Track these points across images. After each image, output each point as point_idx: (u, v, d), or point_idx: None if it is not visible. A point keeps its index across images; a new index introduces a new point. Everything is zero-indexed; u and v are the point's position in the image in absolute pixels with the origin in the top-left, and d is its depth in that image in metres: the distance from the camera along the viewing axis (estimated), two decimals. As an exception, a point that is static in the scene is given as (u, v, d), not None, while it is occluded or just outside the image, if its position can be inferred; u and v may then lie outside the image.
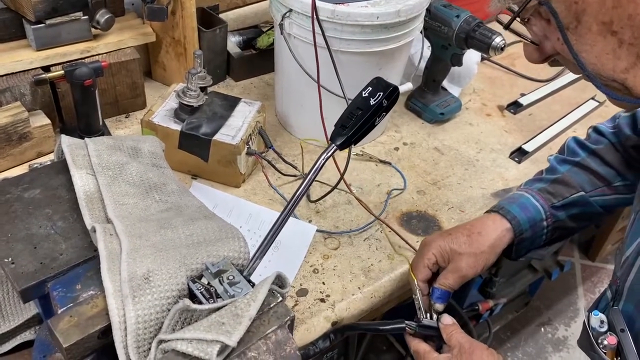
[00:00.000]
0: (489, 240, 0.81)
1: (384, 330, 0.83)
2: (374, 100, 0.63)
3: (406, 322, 0.80)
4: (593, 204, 0.85)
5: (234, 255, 0.58)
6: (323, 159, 0.63)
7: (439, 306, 0.79)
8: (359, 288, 0.86)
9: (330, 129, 1.01)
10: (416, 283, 0.80)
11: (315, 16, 0.92)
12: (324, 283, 0.86)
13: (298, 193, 0.61)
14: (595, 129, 0.91)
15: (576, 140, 0.91)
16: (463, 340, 0.72)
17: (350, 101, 0.94)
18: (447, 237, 0.81)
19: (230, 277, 0.54)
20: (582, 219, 0.86)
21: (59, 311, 0.54)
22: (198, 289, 0.54)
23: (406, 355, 1.43)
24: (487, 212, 0.87)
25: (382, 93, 0.62)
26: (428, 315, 0.78)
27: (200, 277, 0.55)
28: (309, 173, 0.62)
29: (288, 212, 0.59)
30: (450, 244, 0.80)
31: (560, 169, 0.88)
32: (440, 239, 0.81)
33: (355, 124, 0.63)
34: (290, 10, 0.95)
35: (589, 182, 0.85)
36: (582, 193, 0.84)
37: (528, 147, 1.16)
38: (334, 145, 0.64)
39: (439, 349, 0.77)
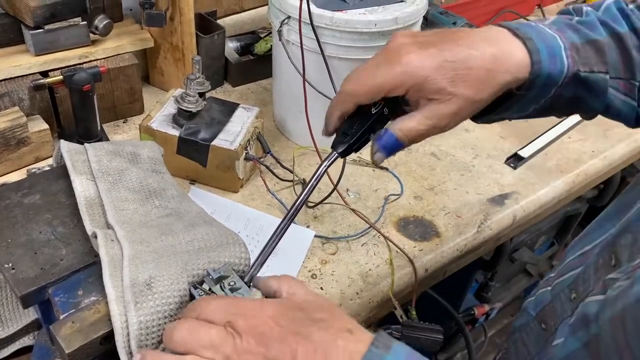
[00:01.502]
0: (498, 81, 0.58)
1: None
2: (375, 109, 0.61)
3: (392, 327, 0.81)
4: (605, 96, 0.64)
5: (235, 261, 0.58)
6: (324, 167, 0.62)
7: (380, 156, 0.61)
8: (357, 293, 0.86)
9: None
10: (349, 99, 0.60)
11: (310, 23, 0.93)
12: (322, 288, 0.86)
13: (298, 202, 0.60)
14: None
15: (619, 5, 0.66)
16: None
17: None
18: (446, 70, 0.57)
19: (232, 283, 0.55)
20: (574, 106, 0.66)
21: (61, 317, 0.54)
22: (199, 295, 0.54)
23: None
24: (501, 25, 0.61)
25: (383, 101, 0.61)
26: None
27: (201, 282, 0.55)
28: (309, 182, 0.61)
29: (289, 220, 0.59)
30: (447, 80, 0.57)
31: (601, 30, 0.63)
32: (429, 66, 0.56)
33: (357, 132, 0.61)
34: (289, 17, 0.96)
35: (616, 65, 0.63)
36: (607, 76, 0.62)
37: (524, 152, 1.17)
38: (335, 153, 0.63)
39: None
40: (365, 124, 0.61)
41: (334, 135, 0.65)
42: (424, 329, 0.82)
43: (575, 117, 1.31)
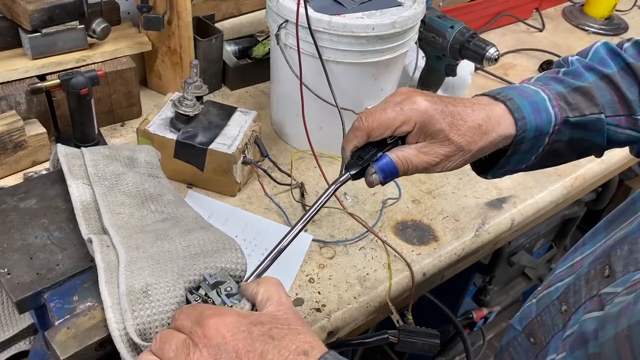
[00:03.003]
0: (487, 138, 0.64)
1: (369, 343, 0.84)
2: (390, 140, 0.65)
3: (388, 332, 0.81)
4: (604, 133, 0.68)
5: (231, 266, 0.58)
6: (334, 187, 0.64)
7: (376, 177, 0.65)
8: (354, 297, 0.86)
9: (324, 138, 1.03)
10: (360, 132, 0.64)
11: (308, 27, 0.93)
12: (319, 292, 0.86)
13: (302, 221, 0.61)
14: (637, 43, 0.70)
15: (608, 47, 0.71)
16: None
17: (341, 109, 0.96)
18: (446, 115, 0.63)
19: (228, 289, 0.54)
20: (579, 147, 0.69)
21: (56, 323, 0.54)
22: (196, 300, 0.54)
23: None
24: (484, 95, 0.69)
25: (398, 137, 0.65)
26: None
27: (197, 287, 0.55)
28: (316, 201, 0.63)
29: (294, 236, 0.60)
30: (446, 124, 0.63)
31: (587, 76, 0.68)
32: (434, 108, 0.63)
33: (372, 158, 0.64)
34: (287, 20, 0.96)
35: (611, 105, 0.67)
36: (602, 116, 0.66)
37: (522, 156, 1.17)
38: (348, 174, 0.65)
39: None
40: (379, 151, 0.65)
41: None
42: (420, 333, 0.82)
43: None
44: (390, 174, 0.65)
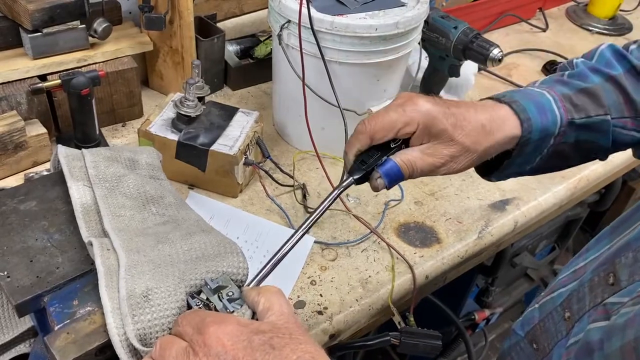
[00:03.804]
0: (492, 139, 0.64)
1: (371, 345, 0.84)
2: (394, 144, 0.64)
3: (390, 334, 0.81)
4: (609, 135, 0.67)
5: (233, 270, 0.57)
6: (338, 192, 0.63)
7: (381, 182, 0.64)
8: (356, 300, 0.85)
9: (326, 139, 1.02)
10: (363, 136, 0.63)
11: (311, 27, 0.92)
12: (321, 295, 0.85)
13: (304, 226, 0.61)
14: None
15: (614, 49, 0.70)
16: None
17: (343, 110, 0.96)
18: (449, 116, 0.63)
19: (230, 294, 0.54)
20: (584, 149, 0.69)
21: (56, 328, 0.53)
22: (197, 305, 0.53)
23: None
24: (489, 98, 0.69)
25: (401, 140, 0.65)
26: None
27: (199, 292, 0.55)
28: (320, 205, 0.62)
29: (295, 242, 0.59)
30: (450, 124, 0.62)
31: (592, 77, 0.68)
32: (436, 109, 0.63)
33: (375, 162, 0.64)
34: (289, 21, 0.95)
35: (617, 106, 0.67)
36: (608, 117, 0.66)
37: (525, 157, 1.17)
38: (351, 178, 0.64)
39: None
40: (383, 156, 0.64)
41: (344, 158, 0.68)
42: (422, 335, 0.81)
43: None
44: (395, 178, 0.64)
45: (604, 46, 0.71)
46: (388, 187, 0.65)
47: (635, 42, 0.71)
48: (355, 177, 0.64)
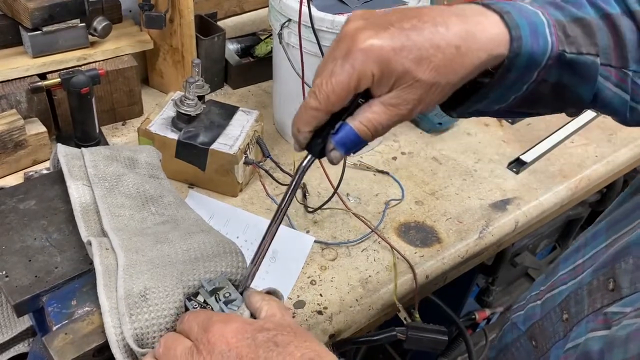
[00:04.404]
0: (470, 62, 0.50)
1: (376, 341, 0.83)
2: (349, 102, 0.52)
3: (396, 329, 0.80)
4: (593, 83, 0.56)
5: (232, 270, 0.57)
6: (302, 170, 0.55)
7: (336, 154, 0.53)
8: (356, 300, 0.85)
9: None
10: (319, 112, 0.51)
11: (311, 26, 0.92)
12: (321, 295, 0.85)
13: (278, 215, 0.56)
14: None
15: None
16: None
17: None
18: (410, 50, 0.48)
19: (227, 295, 0.54)
20: (563, 95, 0.57)
21: (54, 328, 0.53)
22: (194, 307, 0.53)
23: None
24: (471, 2, 0.55)
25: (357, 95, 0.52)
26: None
27: (196, 294, 0.54)
28: (291, 184, 0.55)
29: (273, 234, 0.56)
30: (412, 60, 0.49)
31: (589, 9, 0.56)
32: (391, 47, 0.48)
33: (330, 130, 0.53)
34: (289, 20, 0.95)
35: (606, 51, 0.55)
36: (598, 60, 0.54)
37: (526, 157, 1.16)
38: (310, 157, 0.55)
39: None
40: (337, 120, 0.53)
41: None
42: (428, 329, 0.81)
43: (577, 122, 1.30)
44: (354, 145, 0.52)
45: None
46: (348, 155, 0.54)
47: None
48: (316, 153, 0.53)
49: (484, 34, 0.50)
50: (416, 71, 0.49)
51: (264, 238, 0.56)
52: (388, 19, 0.50)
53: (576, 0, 0.56)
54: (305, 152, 0.55)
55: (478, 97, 0.55)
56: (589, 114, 1.33)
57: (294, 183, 0.54)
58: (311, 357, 0.45)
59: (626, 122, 0.60)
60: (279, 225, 0.57)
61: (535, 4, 0.55)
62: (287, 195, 0.55)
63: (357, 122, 0.51)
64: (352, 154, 0.54)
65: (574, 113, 0.61)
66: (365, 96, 0.52)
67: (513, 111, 0.59)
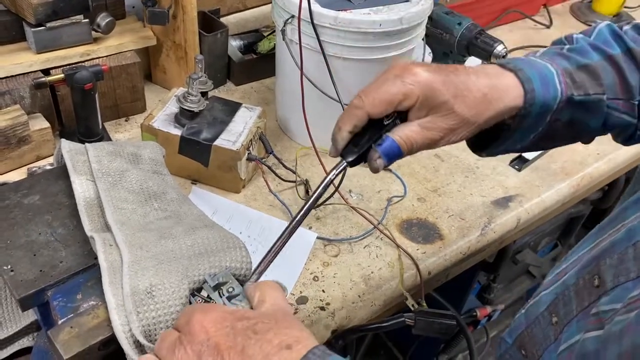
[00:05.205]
0: (493, 109, 0.60)
1: (385, 327, 0.83)
2: (388, 120, 0.60)
3: (405, 315, 0.80)
4: (602, 116, 0.65)
5: (236, 265, 0.57)
6: (332, 176, 0.59)
7: (381, 162, 0.59)
8: (359, 296, 0.86)
9: (328, 135, 1.02)
10: (361, 111, 0.58)
11: (311, 22, 0.92)
12: (323, 291, 0.86)
13: (301, 214, 0.58)
14: (636, 27, 0.68)
15: (611, 28, 0.68)
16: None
17: (345, 106, 0.95)
18: (450, 86, 0.59)
19: (230, 290, 0.54)
20: (576, 129, 0.66)
21: (60, 322, 0.53)
22: (198, 302, 0.53)
23: (403, 358, 1.43)
24: (491, 63, 0.66)
25: (396, 113, 0.59)
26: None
27: (200, 289, 0.55)
28: (316, 190, 0.59)
29: (292, 230, 0.57)
30: (450, 95, 0.59)
31: (592, 54, 0.65)
32: (436, 79, 0.59)
33: (370, 141, 0.60)
34: (293, 16, 0.95)
35: (612, 87, 0.64)
36: (604, 97, 0.64)
37: (528, 154, 1.16)
38: (344, 162, 0.59)
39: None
40: (377, 134, 0.60)
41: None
42: (436, 314, 0.81)
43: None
44: (394, 157, 0.60)
45: (602, 25, 0.69)
46: (387, 166, 0.61)
47: (628, 22, 0.69)
48: (349, 159, 0.59)
49: (505, 90, 0.60)
50: (453, 104, 0.58)
51: (278, 240, 0.57)
52: (431, 66, 0.60)
53: (581, 48, 0.66)
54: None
55: (503, 139, 0.65)
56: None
57: (324, 183, 0.59)
58: (289, 343, 0.45)
59: (626, 142, 0.70)
60: (297, 228, 0.58)
61: (545, 57, 0.65)
62: (311, 199, 0.59)
63: (398, 136, 0.59)
64: (385, 168, 0.61)
65: (588, 141, 0.71)
66: (401, 119, 0.60)
67: (536, 146, 0.68)
